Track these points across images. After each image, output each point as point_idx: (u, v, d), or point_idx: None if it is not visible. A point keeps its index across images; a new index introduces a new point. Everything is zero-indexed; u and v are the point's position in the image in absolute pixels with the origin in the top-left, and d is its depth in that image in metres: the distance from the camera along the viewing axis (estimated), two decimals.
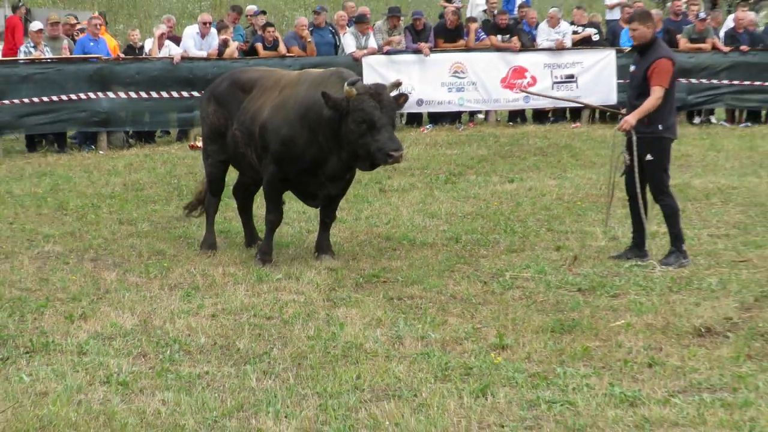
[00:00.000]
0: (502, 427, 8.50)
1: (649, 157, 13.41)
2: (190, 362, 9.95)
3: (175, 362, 9.93)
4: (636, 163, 13.46)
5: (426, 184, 18.65)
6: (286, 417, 8.62)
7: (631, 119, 13.34)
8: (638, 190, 13.63)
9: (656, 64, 13.57)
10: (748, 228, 15.31)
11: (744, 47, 26.56)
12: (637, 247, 13.87)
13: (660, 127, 13.59)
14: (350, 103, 12.57)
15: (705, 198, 17.27)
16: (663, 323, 11.13)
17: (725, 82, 26.13)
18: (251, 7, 28.90)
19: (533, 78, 25.39)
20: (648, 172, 13.47)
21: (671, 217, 13.71)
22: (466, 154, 21.86)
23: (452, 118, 25.93)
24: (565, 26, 27.49)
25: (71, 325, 11.06)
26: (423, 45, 25.44)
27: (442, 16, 28.26)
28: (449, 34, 26.36)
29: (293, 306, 11.73)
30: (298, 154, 13.33)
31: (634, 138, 13.30)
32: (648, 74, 13.58)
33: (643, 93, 13.58)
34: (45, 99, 22.00)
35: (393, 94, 13.26)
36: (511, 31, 26.61)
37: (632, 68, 14.06)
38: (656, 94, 13.33)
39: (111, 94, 22.63)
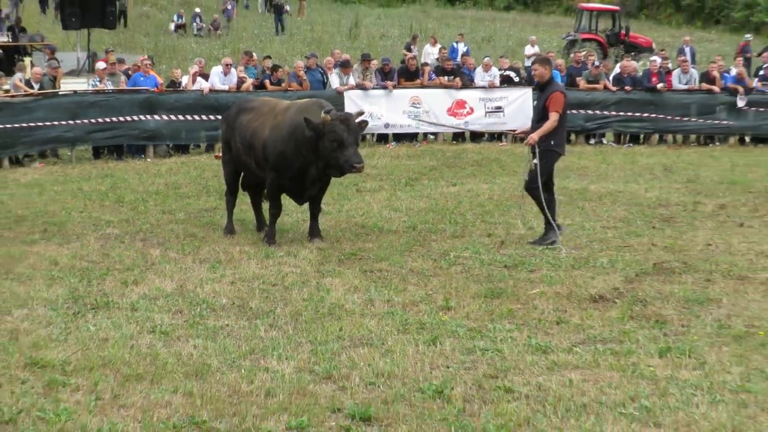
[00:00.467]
0: (448, 367, 8.73)
1: (535, 161, 13.60)
2: (214, 317, 10.14)
3: (204, 317, 10.11)
4: (538, 168, 13.63)
5: (391, 186, 18.68)
6: (286, 359, 8.84)
7: (534, 136, 13.51)
8: (540, 189, 13.78)
9: (552, 96, 13.79)
10: (630, 222, 15.41)
11: (628, 87, 26.67)
12: (550, 234, 13.92)
13: (552, 143, 13.79)
14: (325, 126, 12.96)
15: (598, 199, 17.33)
16: (567, 292, 11.28)
17: (614, 113, 26.25)
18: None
19: (471, 108, 25.54)
20: (540, 173, 13.57)
21: (540, 205, 13.90)
22: (420, 164, 21.89)
23: (410, 137, 26.06)
24: (494, 70, 27.64)
25: (126, 288, 11.19)
26: (389, 83, 25.54)
27: (403, 61, 28.36)
28: (409, 74, 26.53)
29: (292, 276, 11.87)
30: (288, 164, 13.62)
31: (537, 150, 13.44)
32: (546, 104, 13.82)
33: (543, 118, 13.79)
34: (107, 120, 22.07)
35: (357, 120, 13.62)
36: (455, 73, 26.76)
37: (535, 102, 14.17)
38: (552, 118, 13.59)
39: (156, 117, 22.79)
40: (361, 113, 14.46)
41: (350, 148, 13.10)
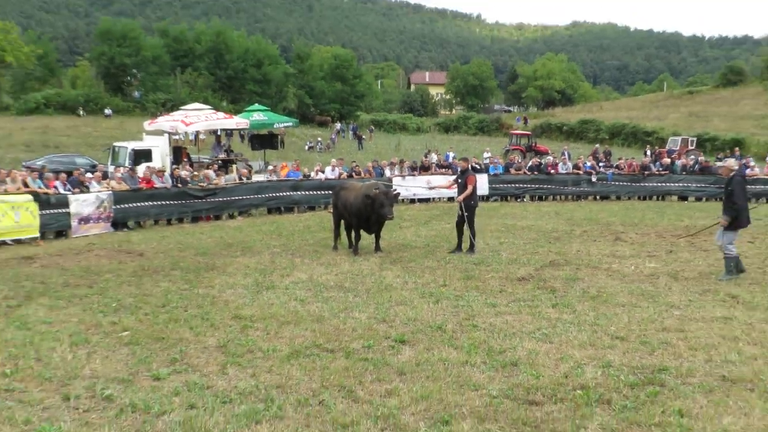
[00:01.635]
0: (444, 315, 8.63)
1: (464, 212, 13.40)
2: (326, 292, 9.97)
3: (321, 292, 9.97)
4: (464, 215, 13.46)
5: (416, 224, 18.38)
6: (362, 312, 8.76)
7: (460, 198, 13.40)
8: (464, 227, 13.62)
9: (469, 177, 13.62)
10: (537, 240, 15.18)
11: (536, 172, 26.58)
12: (459, 249, 13.63)
13: (472, 202, 13.59)
14: (375, 197, 13.14)
15: (521, 229, 17.12)
16: (505, 275, 11.09)
17: (529, 185, 25.98)
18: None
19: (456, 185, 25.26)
20: (467, 219, 13.41)
21: (472, 231, 13.63)
22: (431, 213, 21.76)
23: (427, 200, 25.98)
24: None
25: (282, 278, 11.07)
26: (414, 173, 25.57)
27: (422, 162, 28.35)
28: (424, 168, 26.34)
29: (366, 270, 11.71)
30: (360, 214, 13.58)
31: (463, 205, 13.34)
32: (465, 181, 13.58)
33: (464, 188, 13.53)
34: (274, 195, 22.23)
35: (394, 193, 13.87)
36: (449, 167, 26.81)
37: (459, 180, 13.98)
38: (469, 188, 13.41)
39: (299, 192, 22.78)
40: (395, 190, 14.45)
41: (386, 208, 13.18)
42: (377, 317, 8.49)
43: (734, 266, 10.93)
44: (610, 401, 5.66)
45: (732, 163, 12.36)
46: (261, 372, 6.44)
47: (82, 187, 18.39)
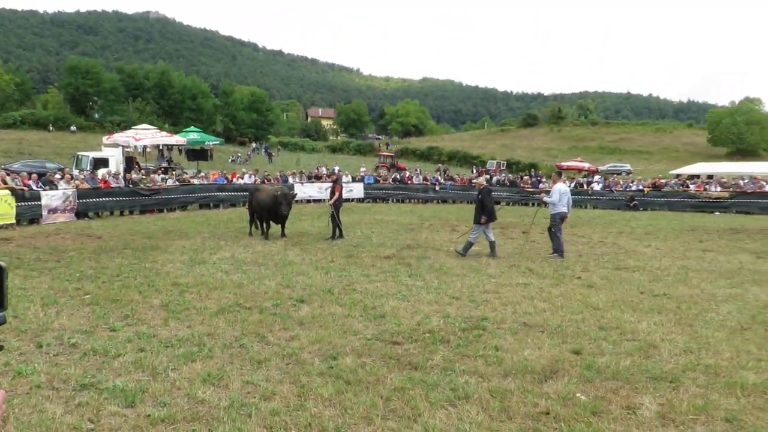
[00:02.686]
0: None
1: (334, 210, 13.18)
2: (245, 266, 9.63)
3: (240, 266, 9.60)
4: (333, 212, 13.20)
5: (311, 218, 18.14)
6: (271, 281, 8.51)
7: (331, 201, 13.20)
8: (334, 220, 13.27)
9: (336, 186, 13.45)
10: (399, 232, 15.24)
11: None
12: (333, 236, 13.10)
13: (338, 203, 13.18)
14: (277, 196, 12.83)
15: (386, 223, 17.09)
16: (375, 255, 11.06)
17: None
18: None
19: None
20: (335, 214, 13.06)
21: (339, 226, 13.07)
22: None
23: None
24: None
25: (212, 255, 10.59)
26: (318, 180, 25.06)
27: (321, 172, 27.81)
28: (317, 178, 25.94)
29: (274, 251, 11.34)
30: (269, 210, 13.17)
31: (332, 206, 13.18)
32: (334, 188, 13.42)
33: (333, 194, 13.28)
34: (206, 194, 21.51)
35: (292, 195, 13.63)
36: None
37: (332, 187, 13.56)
38: (336, 194, 13.11)
39: (225, 192, 22.06)
40: (294, 194, 14.31)
41: (283, 206, 12.83)
42: (283, 284, 8.30)
43: (492, 249, 11.36)
44: (449, 341, 5.78)
45: (482, 180, 13.27)
46: (195, 324, 6.18)
47: (51, 185, 17.20)
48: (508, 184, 28.72)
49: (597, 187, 28.95)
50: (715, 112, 67.08)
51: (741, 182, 27.63)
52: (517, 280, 9.00)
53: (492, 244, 11.41)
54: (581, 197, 27.01)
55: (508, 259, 11.08)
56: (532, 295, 7.92)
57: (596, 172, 41.81)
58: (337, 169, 31.74)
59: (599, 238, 14.90)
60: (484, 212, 11.22)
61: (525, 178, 30.67)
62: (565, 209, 11.51)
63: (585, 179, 32.22)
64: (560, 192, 11.58)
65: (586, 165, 44.27)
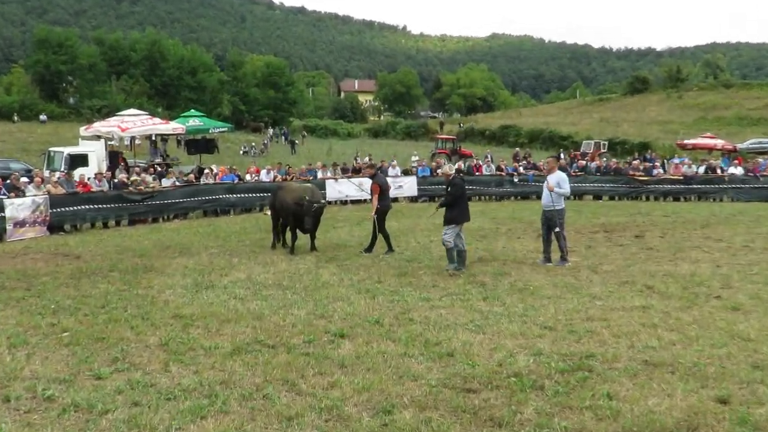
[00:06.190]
0: (381, 310, 8.54)
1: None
2: (265, 290, 9.75)
3: (259, 290, 9.74)
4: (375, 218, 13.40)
5: (349, 224, 18.32)
6: (300, 309, 8.59)
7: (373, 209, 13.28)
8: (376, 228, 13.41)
9: (372, 185, 13.70)
10: (467, 240, 15.25)
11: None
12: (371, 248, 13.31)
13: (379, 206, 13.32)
14: (304, 208, 13.02)
15: None
16: (436, 272, 11.09)
17: None
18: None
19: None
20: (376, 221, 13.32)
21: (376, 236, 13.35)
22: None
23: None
24: (398, 169, 27.70)
25: (221, 278, 10.77)
26: (346, 175, 25.47)
27: (353, 165, 28.24)
28: (356, 171, 26.13)
29: (303, 269, 11.50)
30: (296, 215, 13.31)
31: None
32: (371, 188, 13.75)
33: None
34: (211, 197, 22.04)
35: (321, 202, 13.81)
36: (380, 169, 26.77)
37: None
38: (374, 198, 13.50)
39: (235, 195, 22.52)
40: (324, 203, 14.35)
41: (306, 220, 13.07)
42: (316, 313, 8.33)
43: (456, 256, 11.44)
44: (543, 387, 5.67)
45: (447, 169, 13.73)
46: (204, 368, 6.23)
47: (17, 191, 17.76)
48: (612, 172, 28.13)
49: (736, 171, 28.07)
50: None
51: None
52: (632, 302, 8.81)
53: (456, 252, 11.48)
54: (713, 186, 26.38)
55: (617, 273, 10.87)
56: (655, 322, 7.73)
57: (734, 150, 40.69)
58: (371, 159, 31.82)
59: (743, 242, 14.48)
60: (449, 207, 11.61)
61: (635, 162, 29.98)
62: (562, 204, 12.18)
63: (718, 162, 31.29)
64: (566, 181, 12.18)
65: (719, 142, 43.18)
